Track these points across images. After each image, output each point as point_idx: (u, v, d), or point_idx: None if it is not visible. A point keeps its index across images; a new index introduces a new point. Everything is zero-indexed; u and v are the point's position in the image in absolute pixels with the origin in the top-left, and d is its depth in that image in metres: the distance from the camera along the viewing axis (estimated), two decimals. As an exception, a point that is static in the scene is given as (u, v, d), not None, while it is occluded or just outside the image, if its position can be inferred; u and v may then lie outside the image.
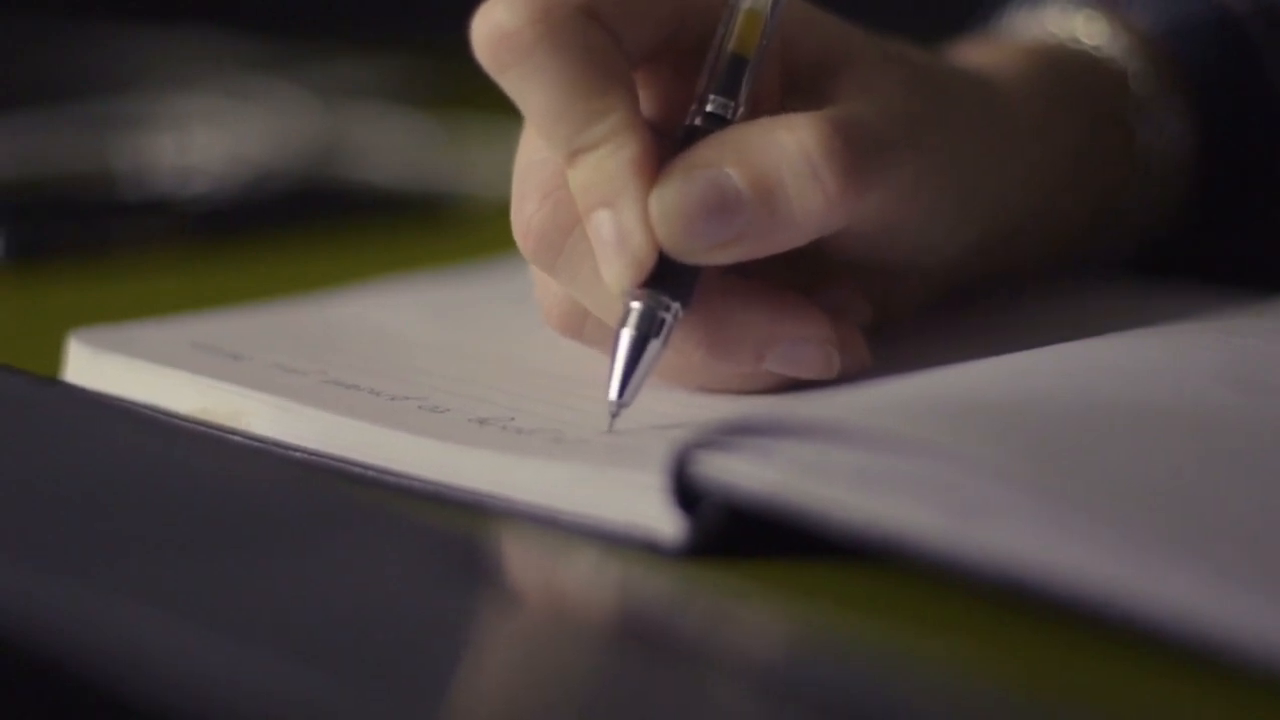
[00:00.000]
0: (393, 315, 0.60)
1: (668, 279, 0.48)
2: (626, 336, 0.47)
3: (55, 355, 0.55)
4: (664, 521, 0.43)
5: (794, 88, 0.51)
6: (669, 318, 0.48)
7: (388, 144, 0.94)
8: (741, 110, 0.49)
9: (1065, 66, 0.61)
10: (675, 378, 0.51)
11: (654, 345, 0.47)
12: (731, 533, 0.43)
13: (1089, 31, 0.63)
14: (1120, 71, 0.62)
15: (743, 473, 0.42)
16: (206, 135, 0.93)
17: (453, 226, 0.83)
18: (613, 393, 0.47)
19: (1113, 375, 0.46)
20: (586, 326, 0.51)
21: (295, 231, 0.80)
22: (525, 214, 0.49)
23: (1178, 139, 0.62)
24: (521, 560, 0.45)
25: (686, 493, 0.43)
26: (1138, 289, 0.62)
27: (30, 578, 0.40)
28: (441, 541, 0.44)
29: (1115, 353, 0.49)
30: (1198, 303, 0.57)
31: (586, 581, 0.43)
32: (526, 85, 0.48)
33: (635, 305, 0.48)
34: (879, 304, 0.53)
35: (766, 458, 0.42)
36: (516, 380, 0.52)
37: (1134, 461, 0.41)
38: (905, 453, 0.42)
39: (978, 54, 0.60)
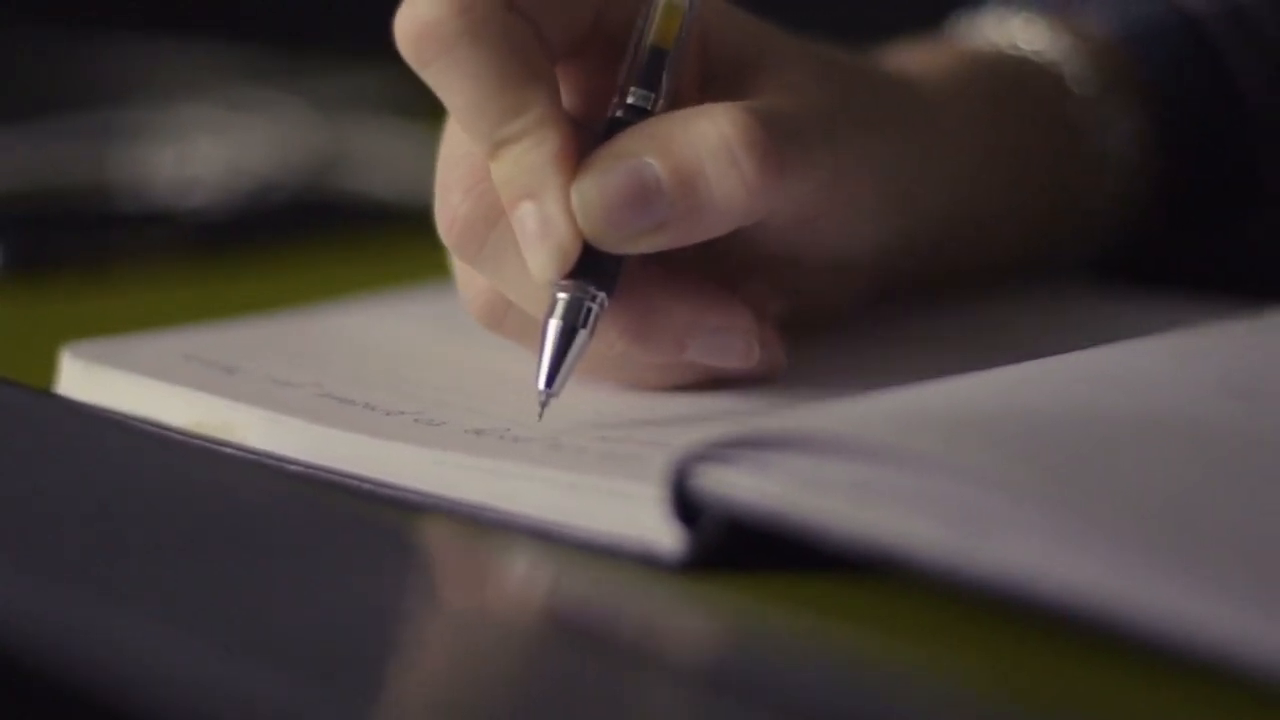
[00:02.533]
0: (391, 328, 0.59)
1: (593, 269, 0.48)
2: (554, 327, 0.48)
3: (53, 367, 0.55)
4: (663, 534, 0.43)
5: (713, 82, 0.51)
6: (595, 307, 0.48)
7: (387, 155, 0.94)
8: (662, 102, 0.50)
9: (998, 70, 0.61)
10: (599, 370, 0.51)
11: (582, 335, 0.48)
12: (730, 545, 0.43)
13: (1027, 36, 0.63)
14: (1059, 74, 0.62)
15: (743, 485, 0.42)
16: (206, 146, 0.93)
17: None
18: (541, 383, 0.48)
19: (1109, 385, 0.46)
20: (507, 319, 0.51)
21: (294, 243, 0.79)
22: (450, 206, 0.50)
23: (1130, 140, 0.63)
24: (518, 572, 0.44)
25: (686, 505, 0.43)
26: (1126, 297, 0.62)
27: (24, 588, 0.40)
28: (437, 553, 0.44)
29: (1112, 362, 0.48)
30: (1195, 310, 0.58)
31: (582, 594, 0.43)
32: (449, 79, 0.48)
33: (561, 296, 0.48)
34: (809, 301, 0.54)
35: (766, 470, 0.42)
36: (513, 392, 0.52)
37: (1132, 471, 0.41)
38: (906, 465, 0.41)
39: (909, 58, 0.61)
